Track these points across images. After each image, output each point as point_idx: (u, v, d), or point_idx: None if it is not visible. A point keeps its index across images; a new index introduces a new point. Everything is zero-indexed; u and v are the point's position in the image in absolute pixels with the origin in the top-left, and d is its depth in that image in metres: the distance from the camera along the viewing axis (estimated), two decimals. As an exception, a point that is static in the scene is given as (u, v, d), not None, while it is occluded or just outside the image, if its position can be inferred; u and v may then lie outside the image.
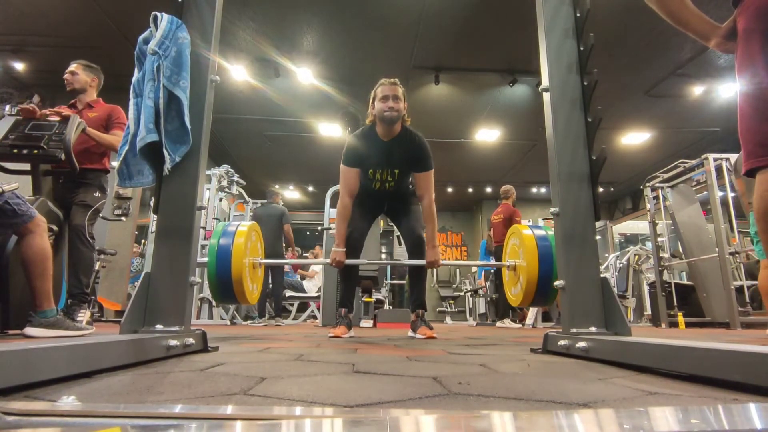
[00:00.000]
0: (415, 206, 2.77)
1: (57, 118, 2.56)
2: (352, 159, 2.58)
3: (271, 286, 5.53)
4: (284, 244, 5.56)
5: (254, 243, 2.24)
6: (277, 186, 11.42)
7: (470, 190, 11.64)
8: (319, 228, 6.01)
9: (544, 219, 10.43)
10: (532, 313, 5.32)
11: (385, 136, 2.54)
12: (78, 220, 2.64)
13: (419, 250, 2.62)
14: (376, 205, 2.81)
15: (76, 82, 2.90)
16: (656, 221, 5.86)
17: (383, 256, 8.84)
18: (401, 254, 7.34)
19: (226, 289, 1.89)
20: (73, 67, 2.93)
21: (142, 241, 7.20)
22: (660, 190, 5.81)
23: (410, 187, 2.81)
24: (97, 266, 4.33)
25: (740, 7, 1.12)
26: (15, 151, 2.40)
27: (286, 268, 7.18)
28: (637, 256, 6.79)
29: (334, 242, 2.55)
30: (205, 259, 1.89)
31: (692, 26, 1.24)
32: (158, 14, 1.58)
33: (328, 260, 2.53)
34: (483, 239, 7.42)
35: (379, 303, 6.47)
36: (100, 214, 2.88)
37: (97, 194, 2.78)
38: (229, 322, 5.48)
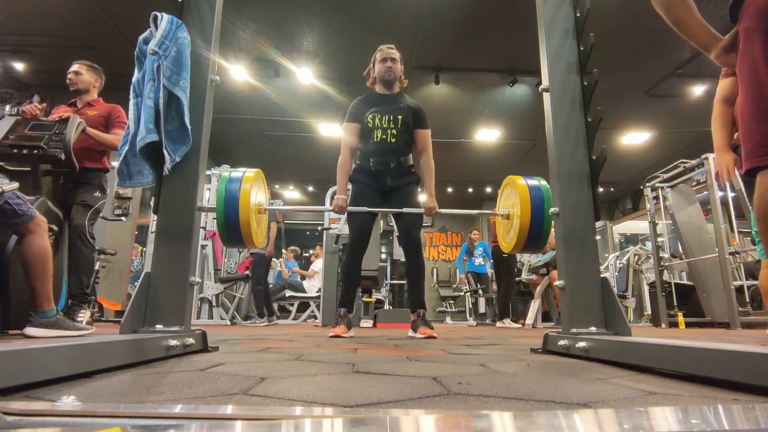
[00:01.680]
0: (416, 204, 2.74)
1: (57, 119, 2.57)
2: (352, 115, 2.70)
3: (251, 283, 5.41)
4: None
5: (259, 188, 2.26)
6: (276, 186, 11.43)
7: (470, 190, 11.63)
8: (319, 228, 6.00)
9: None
10: (532, 313, 5.32)
11: (385, 92, 2.74)
12: (78, 220, 2.64)
13: (415, 251, 2.67)
14: (378, 188, 2.69)
15: (80, 82, 2.92)
16: (656, 221, 5.86)
17: (383, 256, 8.84)
18: (401, 254, 7.32)
19: (234, 232, 1.93)
20: (76, 67, 2.94)
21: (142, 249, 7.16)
22: (660, 190, 5.81)
23: (413, 170, 2.77)
24: (97, 266, 4.33)
25: (741, 10, 1.12)
26: (15, 151, 2.39)
27: (284, 268, 7.19)
28: (637, 256, 6.79)
29: (336, 191, 2.65)
30: (214, 206, 1.93)
31: (695, 36, 1.24)
32: (158, 14, 1.58)
33: (330, 207, 2.56)
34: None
35: (379, 303, 6.47)
36: (101, 214, 2.88)
37: (98, 194, 2.78)
38: (229, 322, 5.48)
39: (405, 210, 2.57)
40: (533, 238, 2.07)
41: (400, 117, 2.63)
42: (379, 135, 2.63)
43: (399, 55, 2.77)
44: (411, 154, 2.78)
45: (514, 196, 2.19)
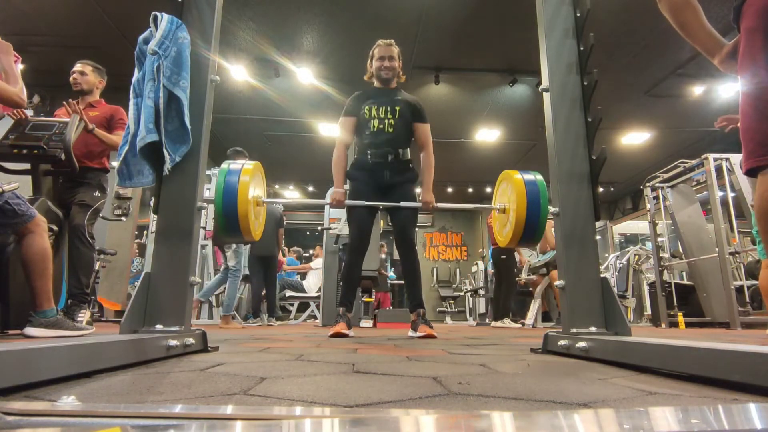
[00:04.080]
0: (413, 201, 2.72)
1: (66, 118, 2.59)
2: (348, 109, 2.69)
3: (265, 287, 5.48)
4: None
5: (258, 181, 2.27)
6: (276, 186, 11.42)
7: (470, 190, 11.64)
8: (319, 228, 6.00)
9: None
10: (531, 312, 5.32)
11: (383, 87, 2.74)
12: (78, 220, 2.64)
13: (409, 251, 2.66)
14: (375, 185, 2.66)
15: (84, 83, 2.93)
16: (656, 221, 5.86)
17: (383, 256, 8.84)
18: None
19: (232, 224, 1.93)
20: (81, 67, 2.94)
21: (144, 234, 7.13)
22: (660, 190, 5.81)
23: (411, 166, 2.73)
24: (97, 266, 4.33)
25: (742, 9, 1.12)
26: (15, 151, 2.40)
27: (286, 267, 7.20)
28: (637, 256, 6.79)
29: (334, 185, 2.65)
30: (212, 197, 1.92)
31: (700, 40, 1.24)
32: (158, 14, 1.58)
33: (328, 201, 2.57)
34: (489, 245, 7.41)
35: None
36: (100, 214, 2.88)
37: (97, 194, 2.78)
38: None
39: (403, 204, 2.54)
40: (529, 231, 2.09)
41: (397, 108, 2.62)
42: (375, 125, 2.61)
43: (398, 51, 2.74)
44: (409, 149, 2.74)
45: (510, 191, 2.20)
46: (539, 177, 2.11)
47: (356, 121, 2.66)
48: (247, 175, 1.95)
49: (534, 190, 2.06)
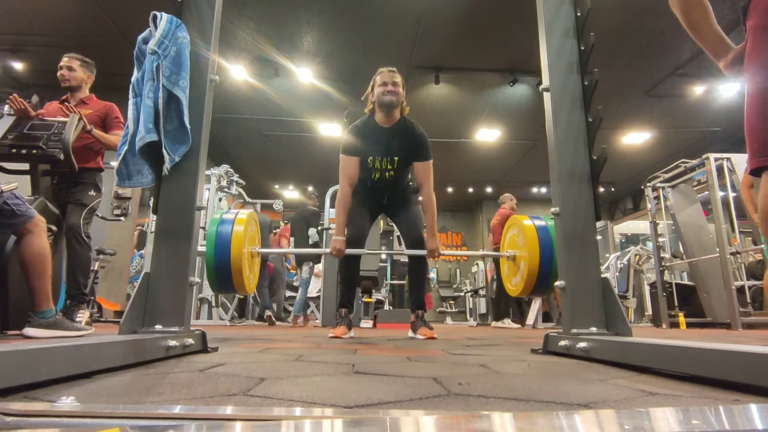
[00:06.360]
0: (416, 206, 2.76)
1: (63, 117, 2.56)
2: (351, 148, 2.60)
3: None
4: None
5: (253, 232, 2.21)
6: (276, 186, 11.42)
7: (470, 190, 11.64)
8: (319, 228, 6.00)
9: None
10: (532, 313, 5.31)
11: (385, 122, 2.57)
12: (74, 220, 2.62)
13: (419, 249, 2.64)
14: (375, 201, 2.76)
15: (73, 79, 2.85)
16: (657, 221, 5.86)
17: (383, 256, 8.83)
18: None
19: (225, 278, 1.87)
20: (68, 61, 2.84)
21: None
22: (661, 190, 5.81)
23: (410, 184, 2.79)
24: (96, 266, 4.33)
25: (749, 8, 1.11)
26: (14, 151, 2.39)
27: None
28: (637, 257, 6.79)
29: (335, 232, 2.56)
30: (203, 249, 1.86)
31: (708, 41, 1.23)
32: (158, 14, 1.58)
33: (328, 249, 2.54)
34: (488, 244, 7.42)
35: (379, 303, 6.46)
36: (97, 214, 2.86)
37: (92, 193, 2.76)
38: (228, 323, 5.48)
39: (407, 252, 2.60)
40: (541, 284, 2.03)
41: (396, 159, 2.58)
42: (377, 176, 2.63)
43: (401, 79, 2.59)
44: (408, 175, 2.76)
45: (521, 240, 2.13)
46: (551, 222, 2.04)
47: (359, 161, 2.60)
48: (241, 224, 1.89)
49: (547, 243, 1.99)
